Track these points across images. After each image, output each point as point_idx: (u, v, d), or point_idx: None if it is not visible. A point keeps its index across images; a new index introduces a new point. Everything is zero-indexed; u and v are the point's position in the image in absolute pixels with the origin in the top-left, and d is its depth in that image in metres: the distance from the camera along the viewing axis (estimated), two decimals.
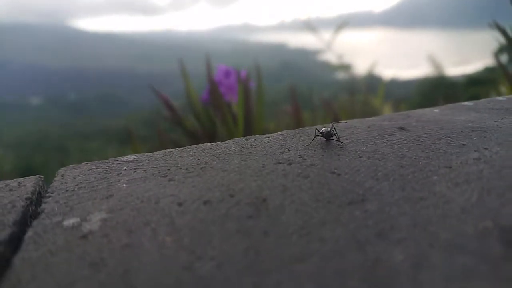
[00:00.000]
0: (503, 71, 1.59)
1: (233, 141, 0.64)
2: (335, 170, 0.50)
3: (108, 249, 0.36)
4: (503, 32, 1.56)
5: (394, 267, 0.31)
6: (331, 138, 0.59)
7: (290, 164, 0.53)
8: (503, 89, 1.79)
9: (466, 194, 0.41)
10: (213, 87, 1.30)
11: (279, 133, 0.67)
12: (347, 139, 0.61)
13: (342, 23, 1.95)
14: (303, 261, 0.32)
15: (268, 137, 0.65)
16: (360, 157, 0.53)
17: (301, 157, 0.55)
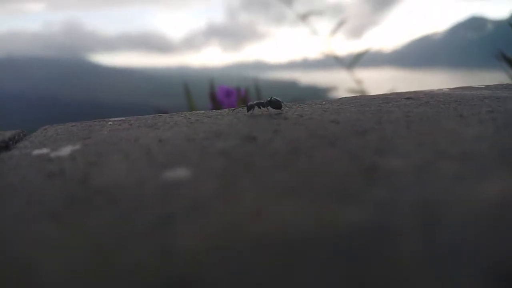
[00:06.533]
0: None
1: (229, 109, 0.61)
2: (335, 120, 0.45)
3: (71, 165, 0.32)
4: (510, 62, 1.50)
5: (394, 170, 0.26)
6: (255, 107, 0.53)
7: (285, 118, 0.49)
8: None
9: (479, 129, 0.37)
10: (214, 103, 1.31)
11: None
12: (350, 104, 0.57)
13: (362, 51, 1.88)
14: (285, 169, 0.28)
15: None
16: (362, 113, 0.49)
17: (298, 114, 0.51)
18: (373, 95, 0.64)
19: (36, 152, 0.38)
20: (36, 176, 0.30)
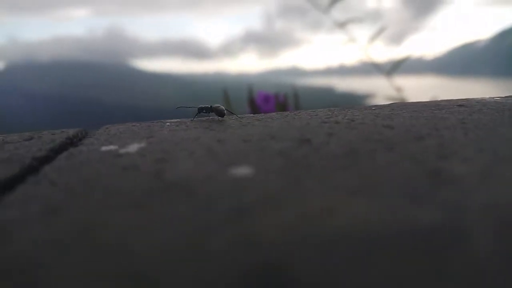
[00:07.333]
0: None
1: (276, 113, 0.62)
2: (388, 125, 0.46)
3: (142, 161, 0.35)
4: None
5: (459, 174, 0.27)
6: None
7: (337, 122, 0.50)
8: None
9: None
10: (253, 108, 1.34)
11: (326, 108, 0.64)
12: (401, 110, 0.57)
13: (402, 59, 1.82)
14: (346, 170, 0.29)
15: (314, 111, 0.62)
16: (416, 119, 0.49)
17: (349, 118, 0.52)
18: (424, 102, 0.64)
19: (104, 148, 0.41)
20: (110, 170, 0.33)
